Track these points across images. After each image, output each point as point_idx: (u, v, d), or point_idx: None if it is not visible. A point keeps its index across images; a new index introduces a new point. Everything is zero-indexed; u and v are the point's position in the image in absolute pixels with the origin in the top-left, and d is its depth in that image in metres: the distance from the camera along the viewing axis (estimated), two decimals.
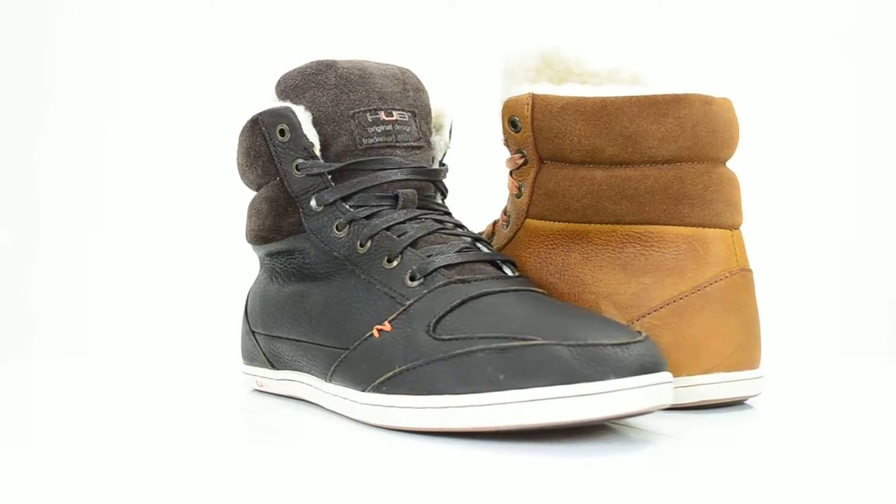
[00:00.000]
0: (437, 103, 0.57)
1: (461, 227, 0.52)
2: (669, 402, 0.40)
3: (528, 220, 0.54)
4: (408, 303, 0.45)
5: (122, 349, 0.83)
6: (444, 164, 0.56)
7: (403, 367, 0.43)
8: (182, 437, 0.46)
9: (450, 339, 0.42)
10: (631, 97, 0.48)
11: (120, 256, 0.94)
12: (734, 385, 0.48)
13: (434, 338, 0.43)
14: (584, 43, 0.55)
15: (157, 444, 0.44)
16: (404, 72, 0.55)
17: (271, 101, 0.53)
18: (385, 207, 0.50)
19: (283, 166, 0.52)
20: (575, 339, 0.39)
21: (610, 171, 0.49)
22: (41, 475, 0.37)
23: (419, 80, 0.56)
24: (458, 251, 0.48)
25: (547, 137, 0.51)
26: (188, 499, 0.34)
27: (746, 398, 0.50)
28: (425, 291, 0.45)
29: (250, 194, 0.55)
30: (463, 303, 0.44)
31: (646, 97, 0.48)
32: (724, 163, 0.50)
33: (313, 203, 0.51)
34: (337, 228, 0.50)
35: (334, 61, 0.53)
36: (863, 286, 0.94)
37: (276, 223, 0.53)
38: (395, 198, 0.51)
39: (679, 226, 0.49)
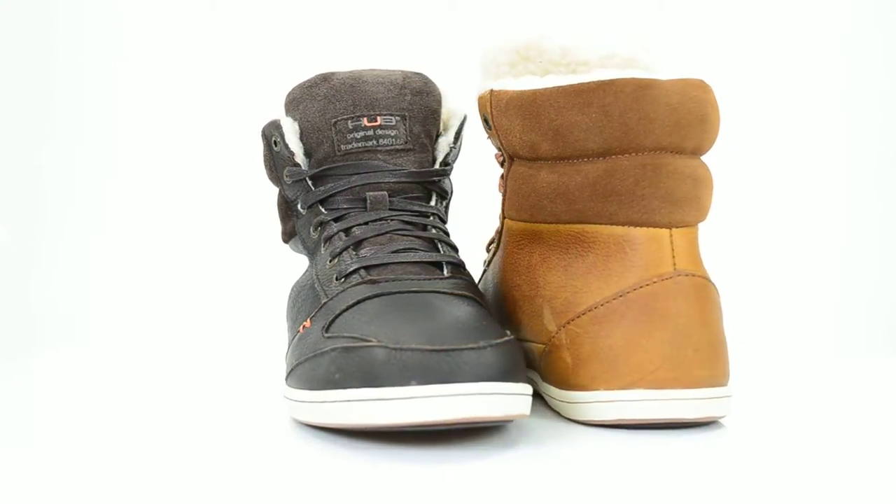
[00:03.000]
0: (449, 104, 0.58)
1: (435, 227, 0.52)
2: (500, 414, 0.38)
3: (506, 220, 0.53)
4: (324, 301, 0.48)
5: (123, 348, 0.82)
6: (447, 165, 0.57)
7: (296, 362, 0.46)
8: (180, 438, 0.46)
9: (328, 338, 0.44)
10: (559, 87, 0.45)
11: (121, 255, 0.95)
12: (662, 405, 0.42)
13: (323, 336, 0.45)
14: (568, 32, 0.51)
15: (154, 445, 0.44)
16: (408, 76, 0.56)
17: (280, 113, 0.58)
18: (355, 210, 0.53)
19: (279, 173, 0.56)
20: (411, 342, 0.39)
21: (551, 168, 0.46)
22: (40, 475, 0.37)
23: (427, 84, 0.57)
24: (393, 251, 0.49)
25: (503, 135, 0.49)
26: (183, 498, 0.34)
27: (686, 421, 0.43)
28: (339, 290, 0.47)
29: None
30: (357, 303, 0.45)
31: (572, 86, 0.44)
32: (675, 152, 0.44)
33: (300, 207, 0.55)
34: (312, 229, 0.54)
35: (332, 73, 0.56)
36: (858, 285, 0.93)
37: (285, 225, 0.58)
38: (366, 200, 0.53)
39: (609, 224, 0.44)
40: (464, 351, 0.38)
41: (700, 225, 0.46)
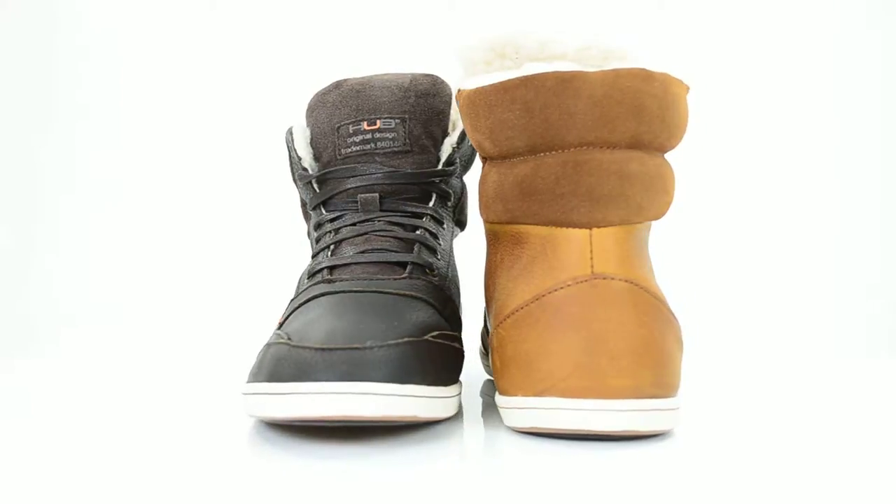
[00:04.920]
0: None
1: (424, 228, 0.53)
2: (368, 414, 0.38)
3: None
4: (292, 298, 0.50)
5: (122, 349, 0.82)
6: (451, 165, 0.57)
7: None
8: (178, 438, 0.45)
9: (275, 333, 0.46)
10: (492, 84, 0.44)
11: (120, 256, 0.96)
12: (574, 415, 0.39)
13: (275, 331, 0.47)
14: (545, 27, 0.50)
15: (151, 445, 0.43)
16: (416, 79, 0.58)
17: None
18: (349, 211, 0.55)
19: (295, 176, 0.60)
20: (309, 341, 0.40)
21: (497, 168, 0.45)
22: (37, 475, 0.37)
23: (435, 85, 0.57)
24: (360, 252, 0.50)
25: (468, 134, 0.49)
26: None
27: (605, 434, 0.40)
28: (304, 289, 0.49)
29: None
30: (305, 302, 0.47)
31: (500, 83, 0.43)
32: (604, 147, 0.41)
33: (308, 208, 0.58)
34: (314, 229, 0.57)
35: (344, 80, 0.59)
36: (858, 285, 0.94)
37: (307, 224, 0.61)
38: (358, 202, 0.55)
39: (536, 225, 0.42)
40: (346, 351, 0.39)
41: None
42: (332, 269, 0.50)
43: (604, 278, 0.40)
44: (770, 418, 0.50)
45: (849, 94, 0.98)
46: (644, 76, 0.41)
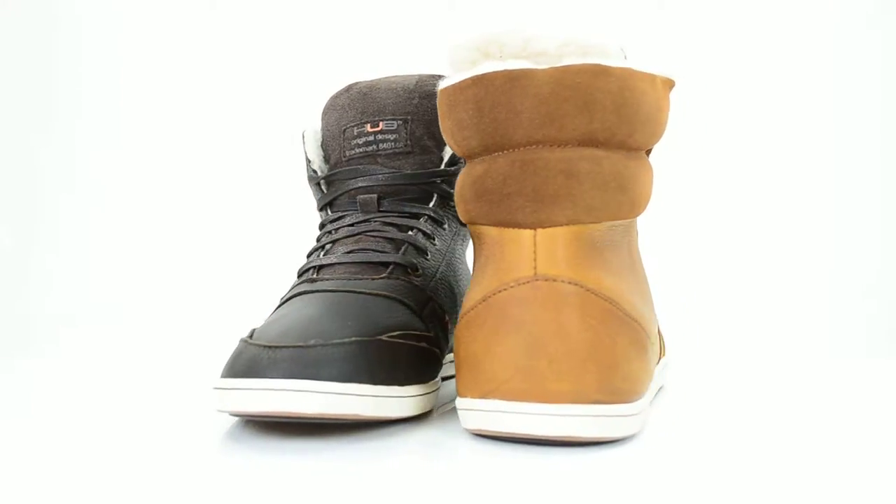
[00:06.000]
0: None
1: (418, 228, 0.53)
2: (303, 411, 0.39)
3: None
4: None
5: (121, 349, 0.82)
6: (453, 165, 0.57)
7: None
8: (178, 438, 0.45)
9: None
10: (452, 85, 0.44)
11: (120, 256, 0.95)
12: (515, 418, 0.38)
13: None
14: (529, 24, 0.49)
15: (151, 445, 0.43)
16: (423, 80, 0.58)
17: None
18: (350, 212, 0.56)
19: (308, 177, 0.62)
20: (262, 339, 0.42)
21: (465, 169, 0.45)
22: (37, 475, 0.37)
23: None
24: (347, 252, 0.51)
25: None
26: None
27: (548, 438, 0.38)
28: (290, 288, 0.51)
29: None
30: (285, 301, 0.49)
31: (457, 83, 0.43)
32: (554, 145, 0.40)
33: (317, 209, 0.60)
34: (319, 229, 0.58)
35: (355, 83, 0.60)
36: (857, 286, 0.93)
37: None
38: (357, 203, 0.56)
39: (489, 225, 0.42)
40: (291, 349, 0.40)
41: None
42: (319, 268, 0.51)
43: (546, 280, 0.39)
44: (766, 418, 0.48)
45: (849, 94, 0.98)
46: (596, 71, 0.40)
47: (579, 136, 0.40)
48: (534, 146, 0.40)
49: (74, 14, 1.00)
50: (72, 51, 1.01)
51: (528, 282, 0.39)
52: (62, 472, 0.38)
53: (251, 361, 0.40)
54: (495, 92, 0.41)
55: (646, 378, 0.42)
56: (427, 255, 0.53)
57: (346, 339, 0.41)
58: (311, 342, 0.40)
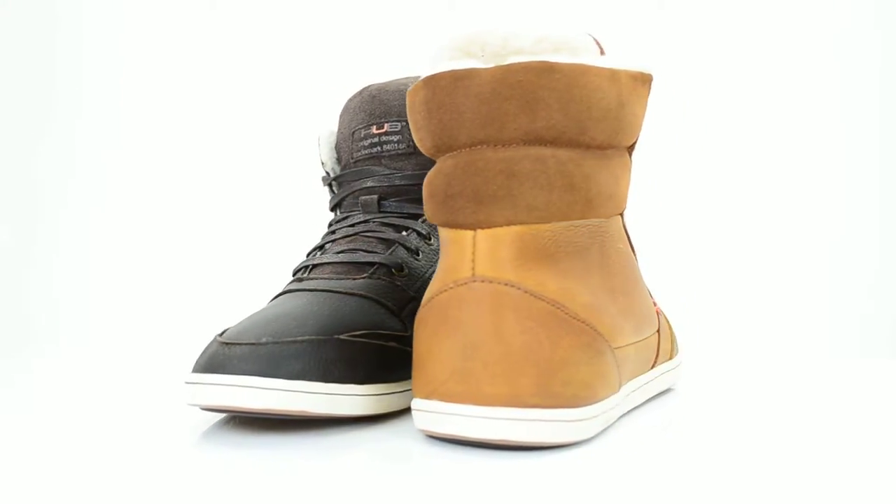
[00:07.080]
0: None
1: (415, 229, 0.54)
2: (258, 406, 0.40)
3: None
4: None
5: (121, 349, 0.81)
6: None
7: None
8: (177, 437, 0.45)
9: None
10: (412, 87, 0.44)
11: (120, 256, 0.93)
12: (451, 419, 0.38)
13: None
14: (509, 23, 0.49)
15: (150, 445, 0.43)
16: None
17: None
18: (354, 213, 0.57)
19: (322, 178, 0.64)
20: (231, 336, 0.43)
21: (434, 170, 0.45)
22: (37, 475, 0.37)
23: None
24: (339, 251, 0.53)
25: None
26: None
27: (486, 441, 0.38)
28: (283, 286, 0.53)
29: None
30: (276, 297, 0.50)
31: (413, 86, 0.43)
32: (497, 145, 0.40)
33: (329, 209, 0.62)
34: (327, 228, 0.60)
35: (368, 86, 0.61)
36: (856, 286, 0.93)
37: None
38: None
39: (441, 226, 0.42)
40: (244, 346, 0.42)
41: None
42: (312, 268, 0.53)
43: (482, 281, 0.39)
44: (763, 419, 0.47)
45: (849, 94, 0.97)
46: (541, 69, 0.39)
47: (522, 135, 0.40)
48: (477, 146, 0.40)
49: (75, 14, 0.99)
50: (72, 51, 1.02)
51: (465, 283, 0.39)
52: (62, 472, 0.38)
53: (211, 357, 0.42)
54: (441, 93, 0.41)
55: (600, 382, 0.40)
56: (419, 255, 0.53)
57: (298, 338, 0.42)
58: (264, 340, 0.42)
